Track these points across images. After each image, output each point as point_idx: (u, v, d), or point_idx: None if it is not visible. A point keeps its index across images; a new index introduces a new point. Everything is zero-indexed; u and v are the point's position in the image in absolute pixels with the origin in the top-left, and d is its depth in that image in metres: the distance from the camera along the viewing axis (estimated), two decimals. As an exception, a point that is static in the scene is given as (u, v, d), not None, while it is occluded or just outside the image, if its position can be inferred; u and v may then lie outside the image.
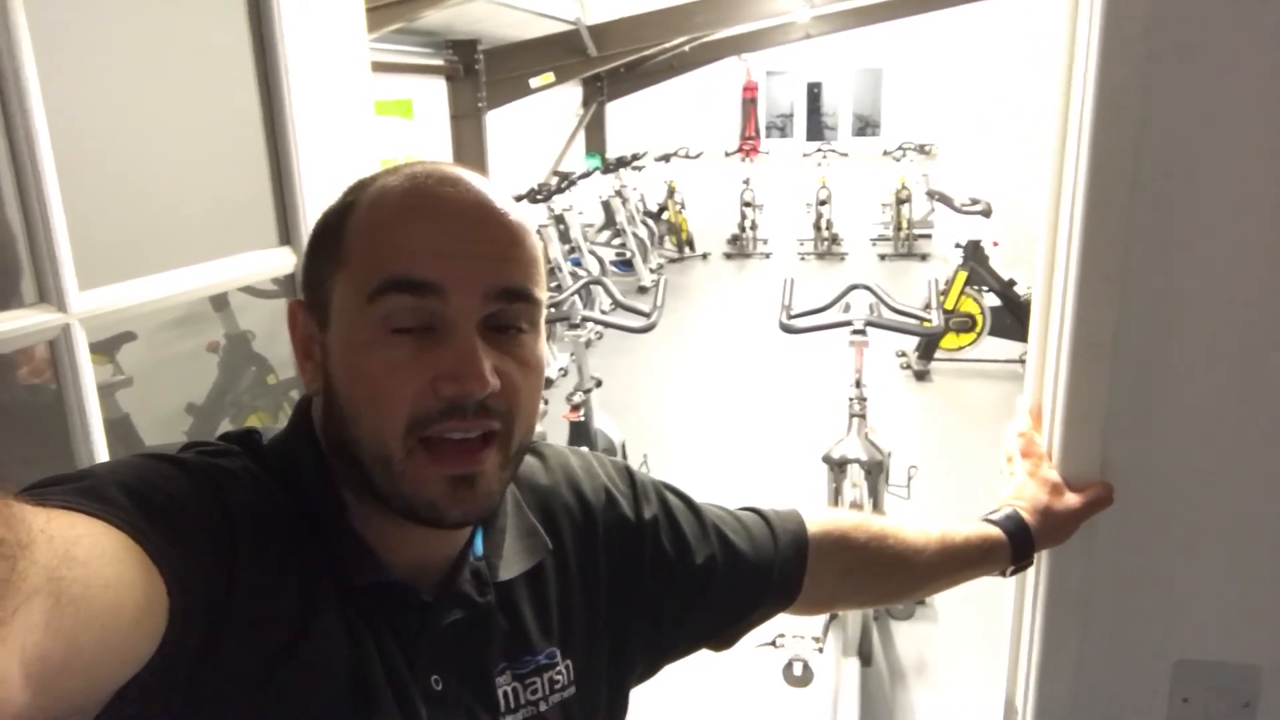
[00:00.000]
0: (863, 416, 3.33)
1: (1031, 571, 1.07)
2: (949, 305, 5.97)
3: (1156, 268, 0.93)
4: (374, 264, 0.64)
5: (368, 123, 1.42)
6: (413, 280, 0.63)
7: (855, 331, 3.31)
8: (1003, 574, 1.03)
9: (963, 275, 6.09)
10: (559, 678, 0.78)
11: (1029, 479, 1.02)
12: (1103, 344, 0.95)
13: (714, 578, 0.88)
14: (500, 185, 0.70)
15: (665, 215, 10.83)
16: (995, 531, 1.00)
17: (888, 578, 1.00)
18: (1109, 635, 1.03)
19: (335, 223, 0.68)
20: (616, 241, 9.26)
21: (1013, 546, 0.99)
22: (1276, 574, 0.99)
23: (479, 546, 0.75)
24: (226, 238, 1.28)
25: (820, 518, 0.98)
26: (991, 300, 6.15)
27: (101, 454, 1.05)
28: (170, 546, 0.55)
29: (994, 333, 6.11)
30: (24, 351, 1.07)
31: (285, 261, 1.32)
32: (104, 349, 1.42)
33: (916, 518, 1.04)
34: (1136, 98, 0.89)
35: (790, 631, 2.80)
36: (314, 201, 1.30)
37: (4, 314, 0.98)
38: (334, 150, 1.35)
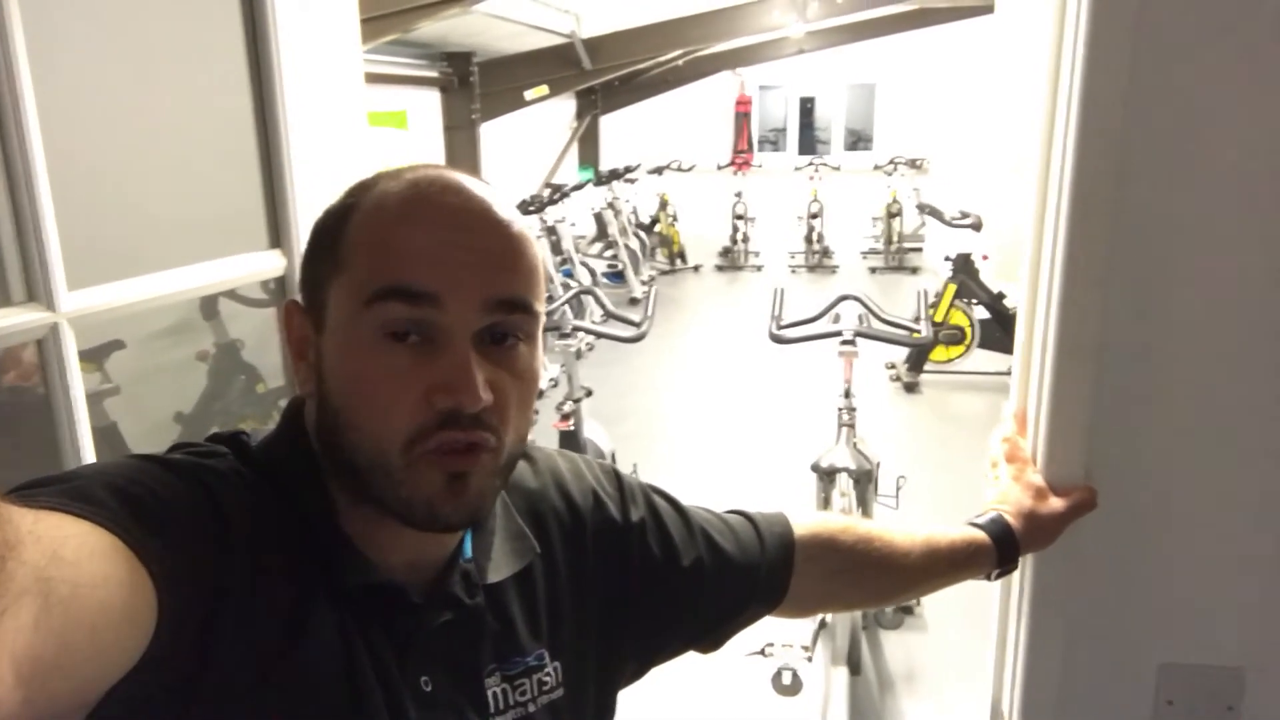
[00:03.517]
0: (852, 426, 3.34)
1: (1016, 575, 1.07)
2: (938, 318, 6.00)
3: (1140, 274, 0.94)
4: (372, 270, 0.64)
5: (360, 129, 1.43)
6: (410, 289, 0.63)
7: (844, 342, 3.32)
8: (987, 578, 1.03)
9: (952, 288, 6.12)
10: (547, 679, 0.78)
11: (1014, 483, 1.03)
12: (1087, 349, 0.96)
13: (701, 580, 0.88)
14: (504, 195, 0.70)
15: (657, 227, 10.86)
16: (980, 535, 1.01)
17: (873, 580, 1.00)
18: (1093, 639, 1.04)
19: (334, 225, 0.68)
20: (608, 253, 9.27)
21: (997, 550, 1.00)
22: (1260, 577, 1.00)
23: (468, 549, 0.75)
24: (217, 240, 1.28)
25: (806, 520, 0.98)
26: (981, 313, 6.18)
27: (88, 455, 1.05)
28: (158, 546, 0.55)
29: (983, 345, 6.14)
30: (11, 355, 1.07)
31: (275, 264, 1.32)
32: (93, 357, 1.42)
33: (903, 522, 1.04)
34: (1120, 104, 0.90)
35: (779, 640, 2.80)
36: (305, 205, 1.30)
37: (-8, 313, 0.98)
38: (326, 155, 1.35)
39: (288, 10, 1.26)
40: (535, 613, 0.79)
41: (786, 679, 2.66)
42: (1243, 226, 0.93)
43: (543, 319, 0.71)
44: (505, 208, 0.68)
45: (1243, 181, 0.92)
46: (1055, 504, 1.00)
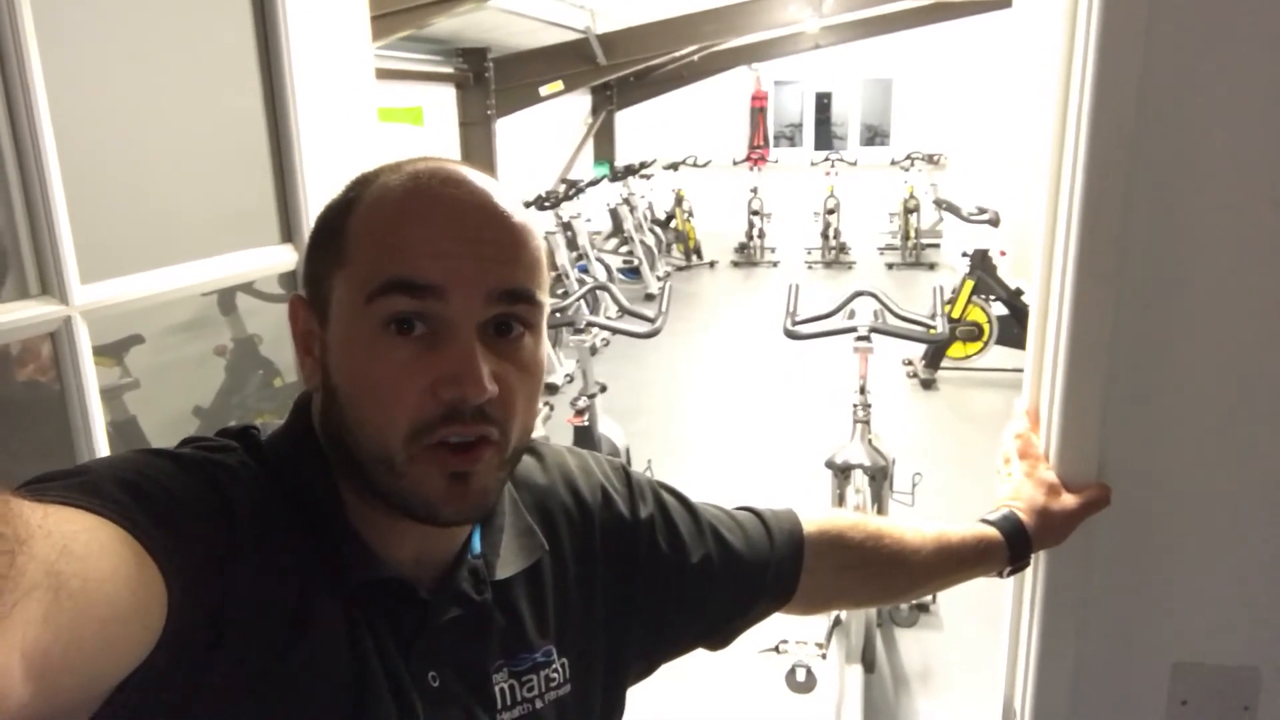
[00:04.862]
0: (867, 423, 3.32)
1: (1029, 573, 1.07)
2: (955, 314, 5.96)
3: (1152, 269, 0.93)
4: (375, 264, 0.64)
5: (371, 124, 1.43)
6: (413, 281, 0.63)
7: (860, 338, 3.31)
8: (1000, 575, 1.03)
9: (970, 284, 6.08)
10: (555, 676, 0.78)
11: (1026, 480, 1.02)
12: (1099, 345, 0.95)
13: (710, 577, 0.88)
14: (505, 186, 0.69)
15: (673, 223, 10.84)
16: (992, 532, 1.00)
17: (883, 577, 1.00)
18: (1107, 637, 1.03)
19: (336, 220, 0.68)
20: (624, 249, 9.27)
21: (1009, 547, 0.99)
22: (1275, 575, 0.99)
23: (476, 545, 0.75)
24: (229, 234, 1.29)
25: (816, 517, 0.98)
26: (999, 309, 6.14)
27: (102, 449, 1.06)
28: (168, 541, 0.55)
29: (1001, 341, 6.10)
30: (29, 349, 1.08)
31: (287, 259, 1.33)
32: (111, 351, 1.43)
33: (914, 519, 1.04)
34: (1132, 102, 0.89)
35: (793, 638, 2.80)
36: (316, 199, 1.31)
37: (5, 305, 0.99)
38: (337, 150, 1.36)
39: (298, 6, 1.26)
40: (543, 609, 0.79)
41: (800, 676, 2.65)
42: (1255, 224, 0.92)
43: (546, 309, 0.70)
44: (506, 199, 0.68)
45: (1255, 179, 0.91)
46: (1068, 501, 0.99)
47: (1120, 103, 0.90)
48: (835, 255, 10.65)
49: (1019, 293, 6.07)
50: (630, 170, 10.08)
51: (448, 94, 7.97)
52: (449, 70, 7.81)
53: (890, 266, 10.47)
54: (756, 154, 13.17)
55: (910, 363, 6.44)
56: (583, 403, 3.81)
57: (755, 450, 5.13)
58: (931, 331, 3.38)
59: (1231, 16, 0.88)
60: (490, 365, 0.64)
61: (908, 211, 10.32)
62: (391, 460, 0.64)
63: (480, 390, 0.63)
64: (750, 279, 10.38)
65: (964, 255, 6.34)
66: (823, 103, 14.60)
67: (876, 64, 13.12)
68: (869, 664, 2.97)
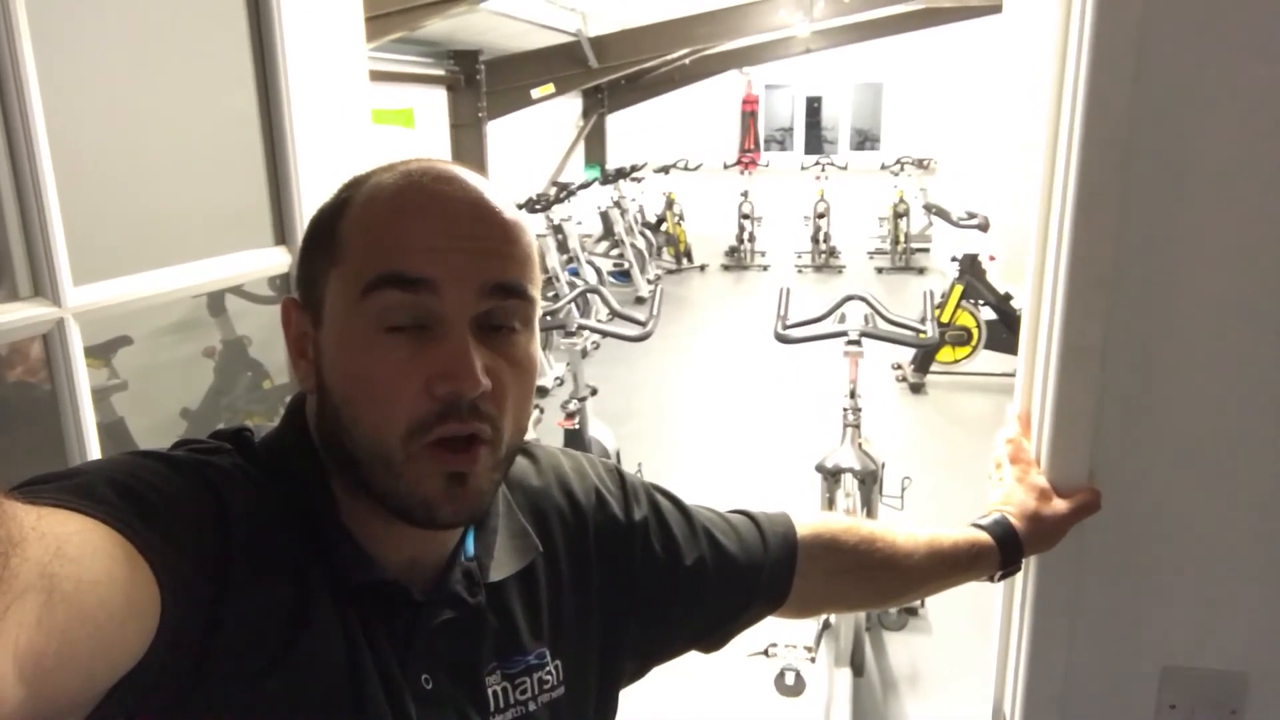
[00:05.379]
0: (857, 426, 3.33)
1: (1019, 577, 1.07)
2: (945, 318, 5.99)
3: (1145, 274, 0.94)
4: (368, 261, 0.64)
5: (364, 126, 1.43)
6: (406, 276, 0.63)
7: (850, 342, 3.32)
8: (991, 579, 1.03)
9: (959, 289, 6.11)
10: (548, 678, 0.78)
11: (1017, 485, 1.03)
12: (1091, 350, 0.96)
13: (704, 579, 0.88)
14: (496, 184, 0.70)
15: (663, 226, 10.86)
16: (983, 537, 1.00)
17: (876, 580, 1.00)
18: (1097, 641, 1.04)
19: (329, 220, 0.68)
20: (614, 252, 9.28)
21: (1001, 552, 1.00)
22: (1264, 580, 0.99)
23: (470, 547, 0.75)
24: (222, 236, 1.28)
25: (810, 520, 0.98)
26: (988, 314, 6.17)
27: (94, 450, 1.05)
28: (162, 543, 0.55)
29: (990, 346, 6.14)
30: (18, 350, 1.08)
31: (280, 261, 1.32)
32: (100, 353, 1.43)
33: (906, 523, 1.04)
34: (1125, 106, 0.90)
35: (783, 641, 2.80)
36: (310, 201, 1.31)
37: (-2, 307, 0.98)
38: (331, 152, 1.36)
39: (293, 7, 1.26)
40: (537, 611, 0.79)
41: (790, 680, 2.66)
42: (1247, 229, 0.92)
43: (539, 305, 0.71)
44: (498, 195, 0.68)
45: (1247, 184, 0.91)
46: (1059, 506, 1.00)
47: (1113, 106, 0.90)
48: (825, 259, 10.69)
49: (1008, 297, 6.11)
50: (621, 173, 10.09)
51: (439, 96, 7.97)
52: (440, 72, 7.81)
53: (880, 271, 10.51)
54: (747, 158, 13.20)
55: (899, 367, 6.47)
56: (573, 406, 3.81)
57: (746, 453, 5.14)
58: (921, 336, 3.40)
59: (1225, 21, 0.88)
60: (483, 360, 0.64)
61: (897, 216, 10.37)
62: (390, 460, 0.64)
63: (474, 384, 0.63)
64: (740, 282, 10.40)
65: (953, 260, 6.37)
66: (813, 107, 14.63)
67: (867, 68, 13.16)
68: (858, 667, 2.98)
